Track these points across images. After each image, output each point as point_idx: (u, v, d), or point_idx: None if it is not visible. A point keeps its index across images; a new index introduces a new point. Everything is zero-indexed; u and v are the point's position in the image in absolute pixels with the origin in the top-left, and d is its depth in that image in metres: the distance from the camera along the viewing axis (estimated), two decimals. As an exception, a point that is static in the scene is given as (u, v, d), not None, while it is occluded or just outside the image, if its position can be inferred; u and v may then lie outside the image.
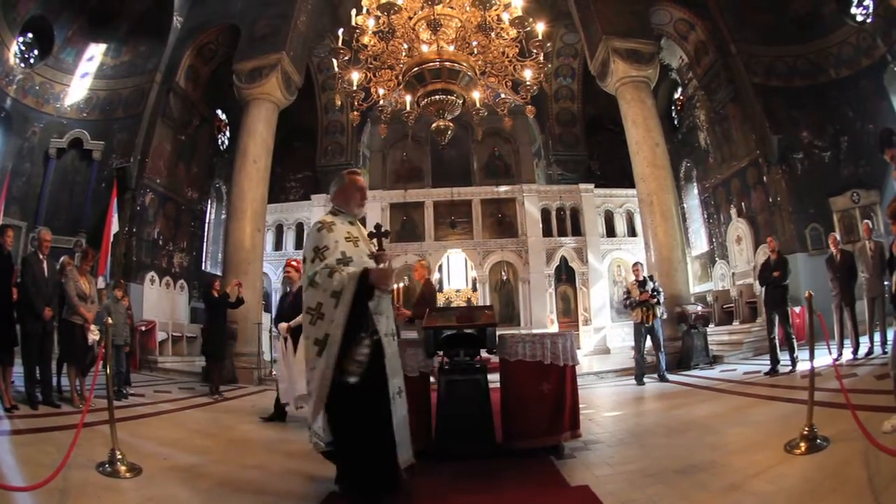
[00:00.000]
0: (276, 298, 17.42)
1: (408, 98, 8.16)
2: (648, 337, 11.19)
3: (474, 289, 21.39)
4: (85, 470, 4.47)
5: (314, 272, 3.82)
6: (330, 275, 3.76)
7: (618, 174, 22.13)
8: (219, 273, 18.60)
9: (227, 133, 22.42)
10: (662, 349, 11.21)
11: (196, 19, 18.56)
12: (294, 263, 8.24)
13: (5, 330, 7.25)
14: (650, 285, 11.13)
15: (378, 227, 4.36)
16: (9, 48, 15.36)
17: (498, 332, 5.65)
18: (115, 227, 15.41)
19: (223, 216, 20.76)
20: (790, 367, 9.29)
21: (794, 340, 9.81)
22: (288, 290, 8.40)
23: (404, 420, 4.05)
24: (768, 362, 9.63)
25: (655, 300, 10.97)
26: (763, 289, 10.89)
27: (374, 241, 4.30)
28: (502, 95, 8.52)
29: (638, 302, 11.12)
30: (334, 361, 3.71)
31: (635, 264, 12.36)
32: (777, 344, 9.70)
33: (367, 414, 3.79)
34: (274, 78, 16.92)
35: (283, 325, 7.65)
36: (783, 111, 15.92)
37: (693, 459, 4.70)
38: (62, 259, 8.59)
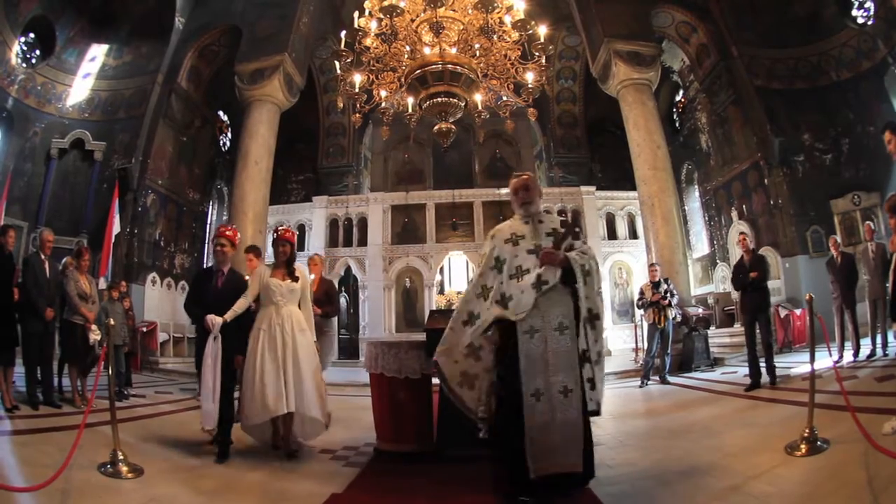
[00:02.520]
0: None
1: (410, 100, 8.19)
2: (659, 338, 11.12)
3: (475, 291, 21.37)
4: (86, 470, 4.47)
5: (472, 287, 4.53)
6: (477, 296, 4.41)
7: (619, 176, 22.12)
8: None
9: (229, 134, 22.47)
10: (669, 352, 11.20)
11: (198, 20, 18.60)
12: (228, 234, 6.13)
13: (6, 330, 7.26)
14: (663, 287, 11.10)
15: (572, 222, 4.58)
16: (10, 48, 15.40)
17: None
18: (116, 228, 15.40)
19: (224, 217, 20.76)
20: (768, 379, 8.30)
21: (773, 348, 8.83)
22: (216, 269, 6.06)
23: (543, 426, 3.94)
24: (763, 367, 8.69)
25: (667, 302, 10.94)
26: (739, 294, 9.95)
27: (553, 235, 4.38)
28: (504, 98, 8.53)
29: (650, 303, 11.12)
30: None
31: (651, 265, 12.38)
32: (757, 355, 8.58)
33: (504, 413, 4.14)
34: (276, 79, 16.98)
35: (215, 318, 5.46)
36: (784, 113, 15.91)
37: (694, 461, 4.71)
38: (65, 259, 8.58)
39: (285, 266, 5.95)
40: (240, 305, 5.68)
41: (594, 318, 4.18)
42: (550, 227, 4.41)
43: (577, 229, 4.43)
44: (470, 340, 4.32)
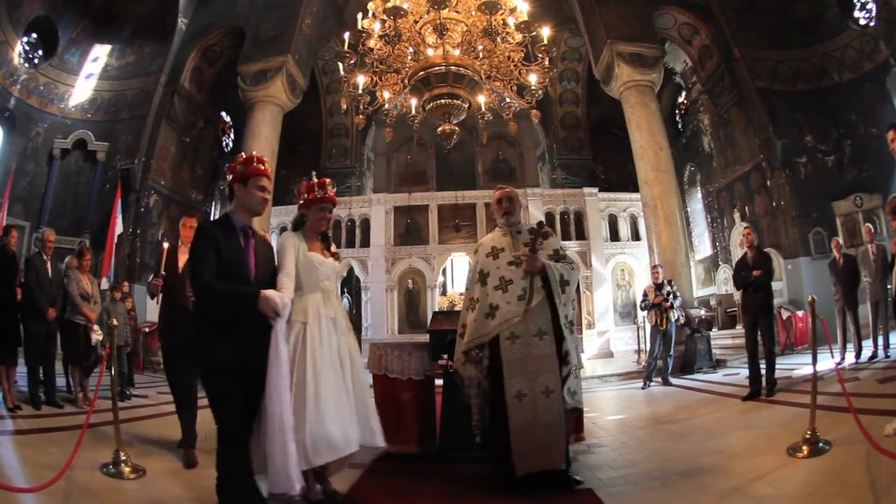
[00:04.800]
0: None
1: (413, 102, 8.18)
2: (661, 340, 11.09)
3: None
4: (89, 471, 4.48)
5: (463, 302, 4.90)
6: (464, 308, 4.77)
7: (622, 178, 22.12)
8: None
9: (232, 135, 22.50)
10: (671, 354, 11.20)
11: (201, 21, 18.63)
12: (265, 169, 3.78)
13: (9, 330, 7.28)
14: (666, 289, 11.08)
15: (539, 224, 4.74)
16: (13, 48, 15.42)
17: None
18: (118, 228, 15.43)
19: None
20: (764, 390, 7.69)
21: (775, 356, 8.08)
22: (241, 225, 3.72)
23: (526, 426, 4.19)
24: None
25: (669, 304, 10.93)
26: (741, 293, 9.06)
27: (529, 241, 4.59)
28: (507, 99, 8.51)
29: (652, 304, 11.11)
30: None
31: (654, 267, 12.39)
32: (758, 360, 8.00)
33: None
34: (279, 80, 17.01)
35: (283, 296, 3.55)
36: (787, 115, 15.92)
37: (696, 463, 4.71)
38: (67, 259, 8.59)
39: (322, 238, 4.28)
40: (288, 288, 3.78)
41: (570, 324, 4.47)
42: (528, 238, 4.59)
43: (544, 229, 4.64)
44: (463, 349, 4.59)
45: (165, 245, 5.85)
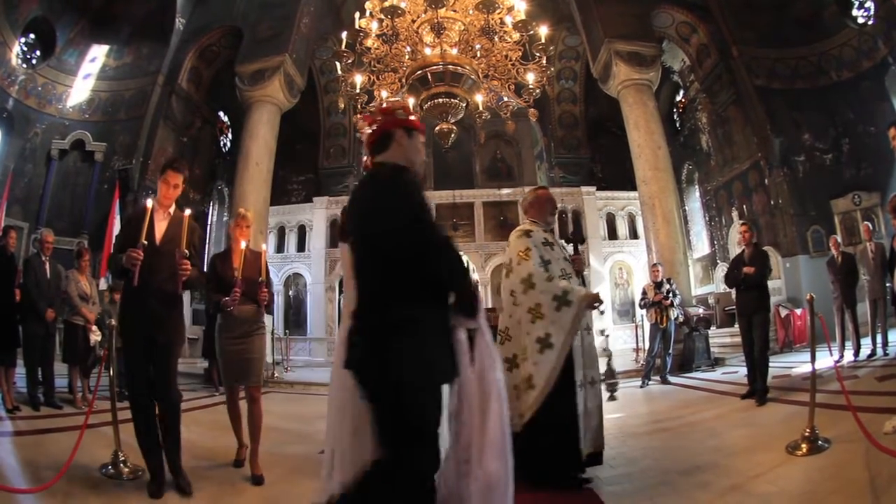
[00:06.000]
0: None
1: (411, 101, 8.17)
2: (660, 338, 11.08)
3: (476, 291, 21.34)
4: (88, 471, 4.47)
5: (528, 272, 4.54)
6: (549, 279, 4.47)
7: (620, 177, 22.05)
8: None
9: (230, 135, 22.43)
10: (670, 352, 11.18)
11: (198, 21, 18.58)
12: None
13: (8, 331, 7.29)
14: (666, 287, 11.09)
15: (575, 233, 5.15)
16: (11, 49, 15.36)
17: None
18: (117, 229, 15.39)
19: (225, 218, 20.75)
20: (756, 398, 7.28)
21: (768, 361, 7.67)
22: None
23: (587, 411, 4.46)
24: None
25: (669, 302, 10.93)
26: (734, 292, 8.47)
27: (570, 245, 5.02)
28: (505, 98, 8.51)
29: (652, 302, 11.11)
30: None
31: (654, 265, 12.40)
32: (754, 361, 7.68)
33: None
34: (276, 80, 16.98)
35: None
36: (785, 114, 15.90)
37: (695, 461, 4.71)
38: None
39: None
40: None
41: None
42: (566, 241, 5.06)
43: (581, 235, 5.06)
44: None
45: (149, 203, 4.47)
